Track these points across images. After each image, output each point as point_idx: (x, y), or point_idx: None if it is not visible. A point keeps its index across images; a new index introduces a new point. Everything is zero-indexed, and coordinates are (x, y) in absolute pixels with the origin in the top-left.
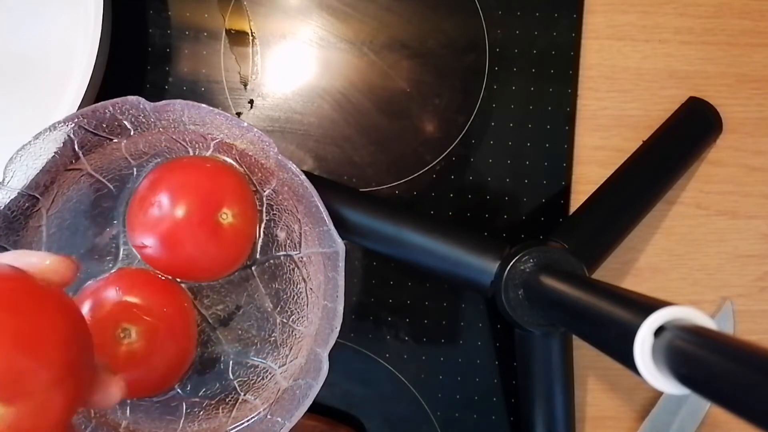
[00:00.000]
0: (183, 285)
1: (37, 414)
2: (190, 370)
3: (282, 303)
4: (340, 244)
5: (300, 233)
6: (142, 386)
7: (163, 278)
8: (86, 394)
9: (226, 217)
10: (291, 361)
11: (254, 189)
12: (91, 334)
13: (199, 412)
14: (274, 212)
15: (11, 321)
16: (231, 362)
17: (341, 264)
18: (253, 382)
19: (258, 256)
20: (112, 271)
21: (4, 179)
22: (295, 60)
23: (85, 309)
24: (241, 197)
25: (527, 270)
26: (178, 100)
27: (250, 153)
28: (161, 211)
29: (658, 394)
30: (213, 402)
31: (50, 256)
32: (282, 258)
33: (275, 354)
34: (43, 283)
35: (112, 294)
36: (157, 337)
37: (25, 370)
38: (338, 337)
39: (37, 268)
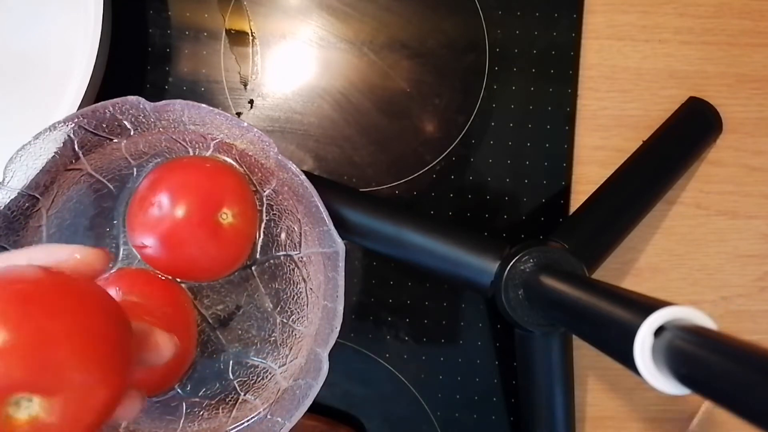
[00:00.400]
0: (183, 285)
1: (81, 402)
2: (190, 370)
3: (282, 303)
4: (340, 244)
5: (300, 233)
6: (142, 386)
7: (163, 278)
8: (129, 378)
9: (226, 217)
10: (291, 361)
11: (254, 189)
12: (128, 320)
13: (199, 412)
14: (274, 212)
15: (38, 317)
16: (231, 362)
17: (341, 264)
18: (253, 382)
19: (258, 256)
20: (112, 271)
21: (4, 179)
22: (295, 60)
23: None
24: (241, 197)
25: (527, 270)
26: (178, 100)
27: (250, 153)
28: (161, 211)
29: (659, 394)
30: (213, 402)
31: (81, 250)
32: (282, 258)
33: (275, 354)
34: (72, 276)
35: (112, 294)
36: None
37: (59, 363)
38: (338, 337)
39: (68, 263)
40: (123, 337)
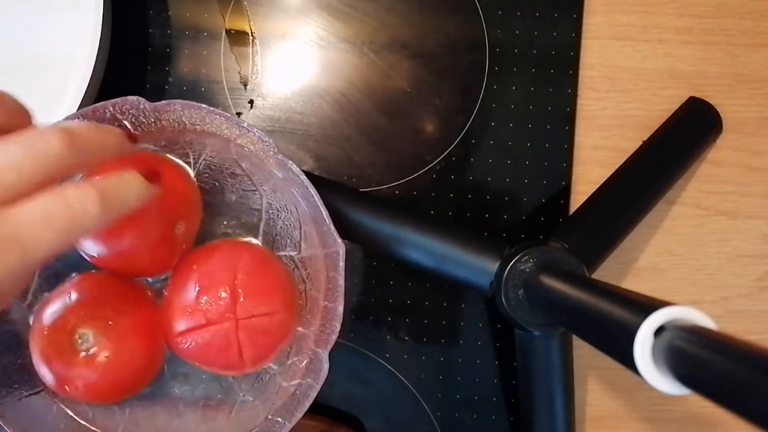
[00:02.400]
0: None
1: None
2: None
3: None
4: (340, 244)
5: (300, 233)
6: (105, 389)
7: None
8: None
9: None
10: (291, 361)
11: (254, 189)
12: None
13: (199, 412)
14: (274, 212)
15: None
16: None
17: (341, 264)
18: (252, 382)
19: None
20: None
21: None
22: (295, 60)
23: (43, 320)
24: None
25: (527, 270)
26: (178, 100)
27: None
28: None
29: (659, 394)
30: (212, 402)
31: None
32: (282, 258)
33: None
34: None
35: (65, 300)
36: (116, 337)
37: None
38: (338, 337)
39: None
40: None
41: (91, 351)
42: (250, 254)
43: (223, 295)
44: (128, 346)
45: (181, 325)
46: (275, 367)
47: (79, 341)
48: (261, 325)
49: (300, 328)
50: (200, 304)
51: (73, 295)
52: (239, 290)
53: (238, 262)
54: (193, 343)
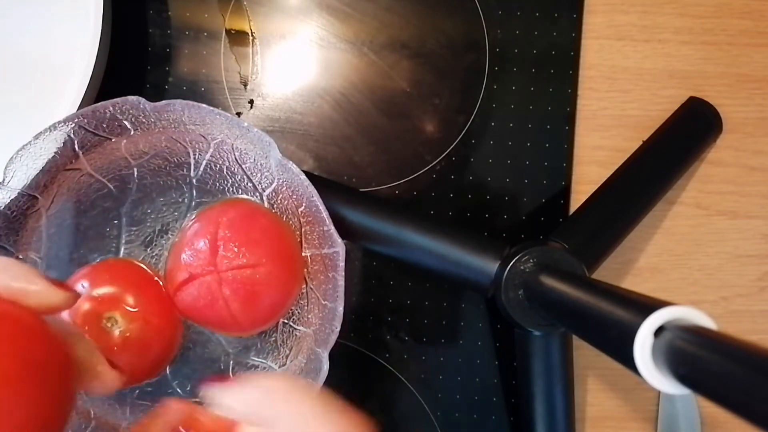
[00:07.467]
0: None
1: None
2: (190, 370)
3: None
4: (340, 244)
5: (300, 233)
6: (126, 371)
7: (146, 270)
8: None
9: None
10: (291, 361)
11: (255, 190)
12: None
13: None
14: (275, 212)
15: None
16: (231, 362)
17: (341, 264)
18: None
19: None
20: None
21: (4, 179)
22: (295, 60)
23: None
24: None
25: (527, 270)
26: (178, 100)
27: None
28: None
29: (658, 394)
30: None
31: (49, 291)
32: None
33: (275, 354)
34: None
35: (97, 282)
36: (137, 323)
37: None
38: (338, 337)
39: (30, 297)
40: (58, 372)
41: (122, 330)
42: (235, 209)
43: (202, 246)
44: (151, 317)
45: (173, 282)
46: (275, 367)
47: (109, 324)
48: (243, 277)
49: (300, 328)
50: (183, 259)
51: (104, 277)
52: (219, 243)
53: (222, 217)
54: (185, 300)
